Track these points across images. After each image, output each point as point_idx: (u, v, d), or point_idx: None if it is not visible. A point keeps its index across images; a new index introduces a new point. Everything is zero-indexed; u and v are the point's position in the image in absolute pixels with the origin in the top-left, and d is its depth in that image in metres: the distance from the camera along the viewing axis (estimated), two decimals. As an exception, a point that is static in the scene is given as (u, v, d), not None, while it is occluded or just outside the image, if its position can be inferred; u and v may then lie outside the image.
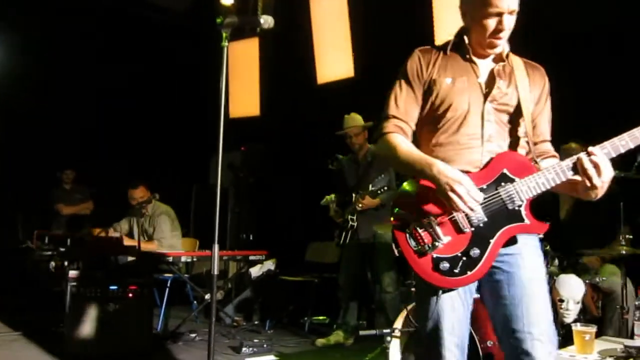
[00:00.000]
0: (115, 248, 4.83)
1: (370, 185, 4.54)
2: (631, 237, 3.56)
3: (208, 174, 7.79)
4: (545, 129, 2.14)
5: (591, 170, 1.83)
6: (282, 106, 7.56)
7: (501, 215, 1.91)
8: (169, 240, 5.55)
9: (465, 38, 2.07)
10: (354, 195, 4.80)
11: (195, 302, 5.92)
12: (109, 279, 4.33)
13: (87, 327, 4.12)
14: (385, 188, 4.52)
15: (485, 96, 2.02)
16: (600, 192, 1.88)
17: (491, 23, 1.96)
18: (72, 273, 4.35)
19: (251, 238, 7.08)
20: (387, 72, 6.55)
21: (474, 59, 2.06)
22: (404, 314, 3.30)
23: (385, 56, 6.35)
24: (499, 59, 2.06)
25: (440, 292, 1.94)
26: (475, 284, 2.00)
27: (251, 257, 5.61)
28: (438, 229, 1.90)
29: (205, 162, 7.78)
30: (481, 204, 1.90)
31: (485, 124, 2.00)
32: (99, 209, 7.46)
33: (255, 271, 6.09)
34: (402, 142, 2.05)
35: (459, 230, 1.92)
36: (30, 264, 6.24)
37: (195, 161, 7.97)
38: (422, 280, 1.94)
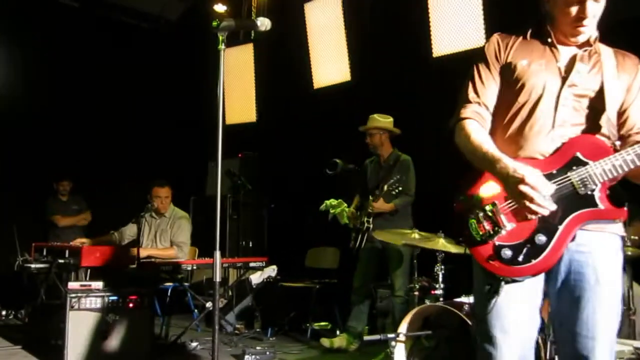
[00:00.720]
0: (113, 258, 4.78)
1: (386, 186, 4.53)
2: (637, 238, 3.52)
3: (205, 184, 7.74)
4: (639, 119, 1.93)
5: None
6: (278, 111, 7.54)
7: (572, 201, 1.79)
8: (187, 247, 5.49)
9: (547, 25, 1.96)
10: (370, 197, 4.79)
11: (196, 310, 5.87)
12: (109, 289, 4.29)
13: (87, 338, 4.08)
14: (400, 189, 4.50)
15: (564, 80, 1.90)
16: None
17: (573, 10, 1.84)
18: (71, 284, 4.31)
19: (251, 245, 7.04)
20: (384, 75, 6.57)
21: (555, 43, 1.95)
22: (408, 318, 3.26)
23: (382, 59, 6.38)
24: (584, 44, 1.94)
25: (503, 283, 1.81)
26: (542, 285, 1.88)
27: (251, 264, 5.55)
28: (502, 215, 1.82)
29: (202, 172, 7.74)
30: None
31: (560, 108, 1.89)
32: (96, 220, 7.41)
33: (255, 278, 6.05)
34: (475, 131, 1.94)
35: (523, 216, 1.80)
36: (27, 277, 6.17)
37: (192, 172, 7.95)
38: (482, 269, 1.85)
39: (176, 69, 8.24)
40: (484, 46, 2.05)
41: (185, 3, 8.68)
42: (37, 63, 7.20)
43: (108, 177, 7.67)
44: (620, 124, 1.93)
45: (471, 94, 1.99)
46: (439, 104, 5.57)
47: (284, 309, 5.74)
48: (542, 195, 1.74)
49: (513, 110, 1.94)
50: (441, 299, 3.55)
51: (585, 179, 1.79)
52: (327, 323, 5.72)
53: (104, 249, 4.88)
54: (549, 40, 1.95)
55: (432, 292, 3.75)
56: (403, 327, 3.25)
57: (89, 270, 4.96)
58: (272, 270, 6.06)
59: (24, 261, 6.04)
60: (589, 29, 1.89)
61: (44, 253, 5.12)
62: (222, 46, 2.20)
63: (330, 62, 6.87)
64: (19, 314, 6.29)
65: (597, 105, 1.89)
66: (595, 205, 1.78)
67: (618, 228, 1.88)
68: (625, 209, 1.81)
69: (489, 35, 5.21)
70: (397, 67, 6.19)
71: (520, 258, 1.79)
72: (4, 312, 6.30)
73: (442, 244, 3.63)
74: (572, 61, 1.92)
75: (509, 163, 1.79)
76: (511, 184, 1.77)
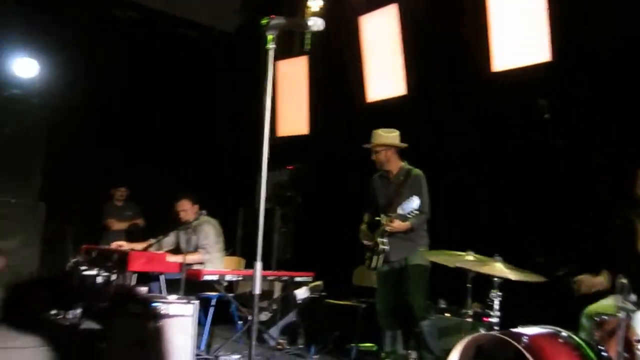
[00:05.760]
0: (159, 264, 4.75)
1: (399, 209, 4.30)
2: None
3: (255, 196, 7.71)
4: None
5: None
6: (331, 124, 7.45)
7: None
8: (213, 250, 5.43)
9: None
10: (382, 216, 4.58)
11: (240, 322, 5.78)
12: (152, 295, 4.26)
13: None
14: (416, 212, 4.28)
15: None
16: None
17: None
18: (115, 288, 4.30)
19: (297, 259, 6.92)
20: (439, 90, 6.35)
21: None
22: (460, 346, 3.04)
23: (437, 74, 6.20)
24: None
25: None
26: None
27: (297, 279, 5.45)
28: None
29: (252, 184, 7.71)
30: None
31: None
32: (150, 228, 7.46)
33: (300, 293, 5.91)
34: None
35: None
36: (77, 279, 6.26)
37: (243, 183, 7.93)
38: None
39: (232, 81, 8.30)
40: None
41: (241, 16, 8.75)
42: (100, 73, 7.36)
43: (162, 187, 7.75)
44: None
45: None
46: (497, 120, 5.42)
47: (329, 327, 5.59)
48: None
49: None
50: (496, 327, 3.32)
51: None
52: (372, 344, 5.52)
53: (150, 254, 4.88)
54: None
55: (485, 319, 3.52)
56: (454, 356, 3.03)
57: (134, 275, 4.98)
58: (317, 286, 5.92)
59: (75, 263, 6.16)
60: None
61: (93, 255, 5.14)
62: (270, 45, 2.10)
63: (384, 75, 6.73)
64: (68, 315, 6.38)
65: None
66: None
67: None
68: None
69: (554, 49, 5.03)
70: (454, 81, 5.99)
71: None
72: (54, 312, 6.39)
73: (499, 268, 3.39)
74: None
75: None
76: None
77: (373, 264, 4.63)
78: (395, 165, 4.77)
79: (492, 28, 5.53)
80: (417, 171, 4.68)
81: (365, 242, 4.74)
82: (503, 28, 5.48)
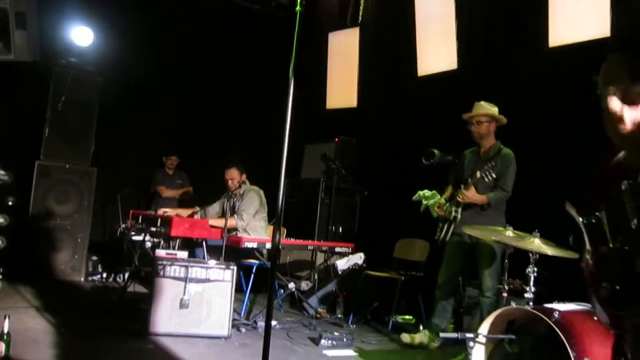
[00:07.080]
0: (201, 230, 4.86)
1: (478, 172, 4.21)
2: None
3: (300, 168, 7.76)
4: None
5: None
6: (380, 98, 7.38)
7: None
8: (249, 216, 5.47)
9: None
10: (462, 186, 4.49)
11: (282, 290, 5.88)
12: (192, 260, 4.38)
13: (170, 306, 4.18)
14: (494, 176, 4.18)
15: None
16: None
17: None
18: (159, 252, 4.44)
19: (340, 230, 6.95)
20: (492, 66, 6.09)
21: None
22: (490, 319, 3.01)
23: (492, 49, 6.01)
24: None
25: None
26: None
27: (337, 249, 5.48)
28: None
29: (298, 155, 7.76)
30: None
31: None
32: (200, 196, 7.62)
33: (341, 264, 5.97)
34: None
35: None
36: (126, 244, 6.50)
37: (289, 154, 7.95)
38: None
39: (283, 52, 8.27)
40: None
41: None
42: (154, 42, 7.47)
43: (210, 156, 7.90)
44: None
45: None
46: (551, 98, 5.21)
47: (368, 298, 5.61)
48: None
49: None
50: (530, 303, 3.26)
51: None
52: (411, 317, 5.53)
53: (192, 221, 4.99)
54: None
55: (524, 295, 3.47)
56: (484, 328, 3.00)
57: (178, 240, 5.12)
58: (358, 258, 5.95)
59: (125, 228, 6.38)
60: None
61: (140, 221, 5.30)
62: (300, 8, 2.08)
63: (437, 49, 6.58)
64: (118, 278, 6.65)
65: None
66: None
67: None
68: None
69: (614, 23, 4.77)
70: (508, 57, 5.80)
71: None
72: (104, 275, 6.67)
73: (537, 244, 3.31)
74: None
75: None
76: None
77: (442, 234, 4.58)
78: (490, 141, 4.66)
79: (551, 1, 5.31)
80: (508, 150, 4.54)
81: (438, 212, 4.67)
82: (562, 1, 5.26)
